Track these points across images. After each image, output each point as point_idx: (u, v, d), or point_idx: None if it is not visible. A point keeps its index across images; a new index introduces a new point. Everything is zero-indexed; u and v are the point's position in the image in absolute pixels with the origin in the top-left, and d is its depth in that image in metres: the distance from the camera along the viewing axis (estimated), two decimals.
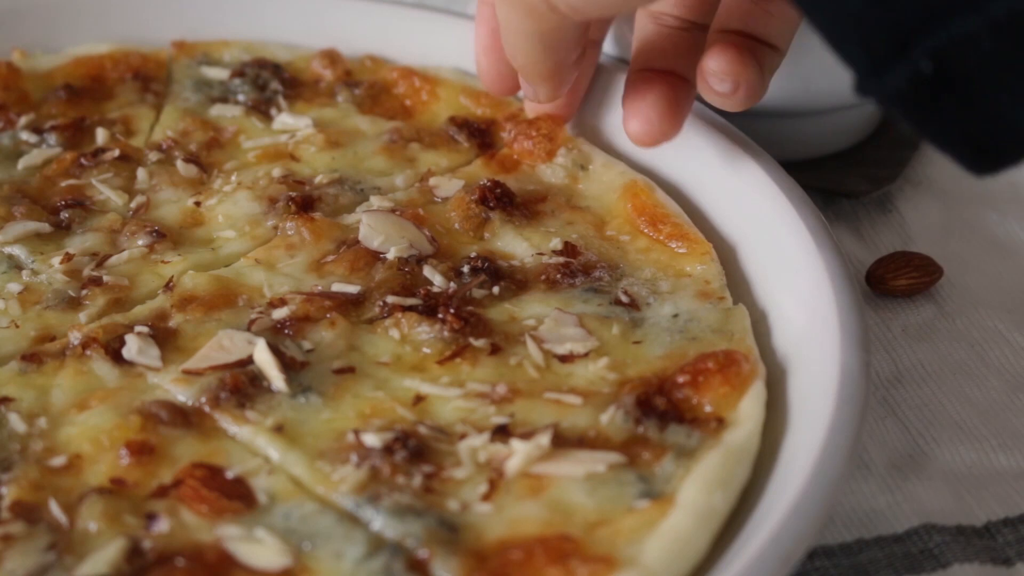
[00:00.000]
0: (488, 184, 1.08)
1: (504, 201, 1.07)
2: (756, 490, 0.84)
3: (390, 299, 0.98)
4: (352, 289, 0.99)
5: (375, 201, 1.08)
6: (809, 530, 0.76)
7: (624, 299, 0.99)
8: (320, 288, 0.99)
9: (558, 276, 1.01)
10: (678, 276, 1.02)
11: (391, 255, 1.01)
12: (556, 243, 1.04)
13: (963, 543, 0.90)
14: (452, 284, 0.99)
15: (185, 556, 0.78)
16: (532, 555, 0.77)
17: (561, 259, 1.02)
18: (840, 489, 0.79)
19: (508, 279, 1.01)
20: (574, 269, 1.01)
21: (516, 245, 1.04)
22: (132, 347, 0.93)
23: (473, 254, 1.03)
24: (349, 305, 0.98)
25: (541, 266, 1.02)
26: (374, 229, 1.03)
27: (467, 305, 0.98)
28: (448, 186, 1.10)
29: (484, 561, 0.78)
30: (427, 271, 1.01)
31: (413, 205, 1.08)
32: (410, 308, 0.97)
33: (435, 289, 0.99)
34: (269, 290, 0.99)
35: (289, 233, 1.04)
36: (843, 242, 1.18)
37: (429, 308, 0.97)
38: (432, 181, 1.11)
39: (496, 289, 1.00)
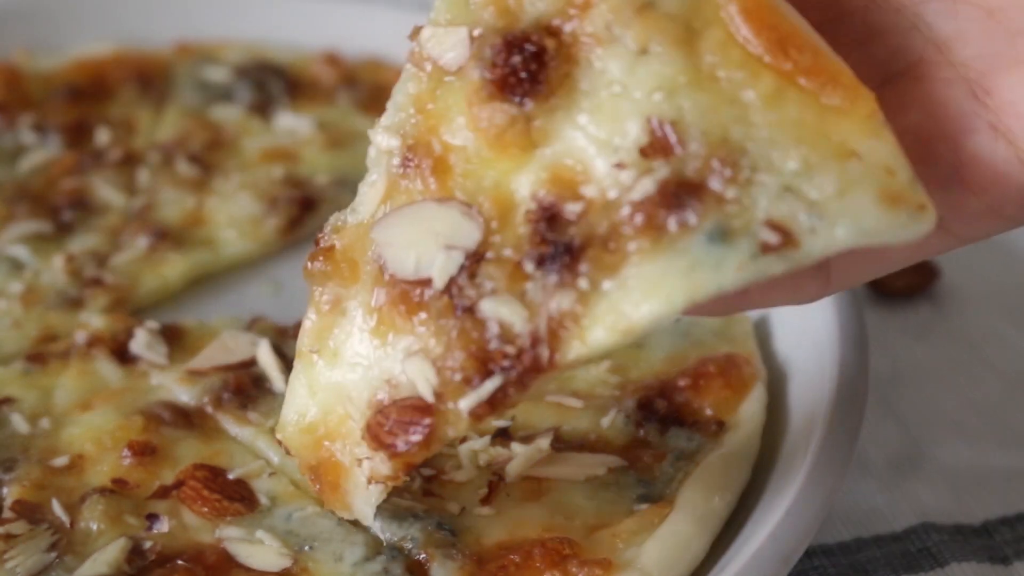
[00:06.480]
0: (500, 52, 0.68)
1: (535, 75, 0.67)
2: (755, 490, 0.84)
3: None
4: None
5: (382, 139, 0.72)
6: (808, 529, 0.76)
7: (772, 240, 0.62)
8: None
9: (663, 217, 0.64)
10: (840, 158, 0.63)
11: (438, 283, 0.69)
12: (635, 132, 0.65)
13: (961, 542, 0.90)
14: (525, 317, 0.68)
15: (186, 557, 0.78)
16: (530, 558, 0.77)
17: (656, 171, 0.64)
18: (839, 488, 0.79)
19: (589, 247, 0.66)
20: (678, 193, 0.63)
21: (584, 149, 0.66)
22: (141, 340, 0.94)
23: (532, 206, 0.67)
24: None
25: (630, 199, 0.65)
26: (398, 247, 0.71)
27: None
28: (448, 44, 0.70)
29: (483, 564, 0.78)
30: (488, 308, 0.68)
31: (426, 129, 0.71)
32: None
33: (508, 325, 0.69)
34: None
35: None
36: None
37: None
38: (423, 40, 0.71)
39: (584, 283, 0.66)
